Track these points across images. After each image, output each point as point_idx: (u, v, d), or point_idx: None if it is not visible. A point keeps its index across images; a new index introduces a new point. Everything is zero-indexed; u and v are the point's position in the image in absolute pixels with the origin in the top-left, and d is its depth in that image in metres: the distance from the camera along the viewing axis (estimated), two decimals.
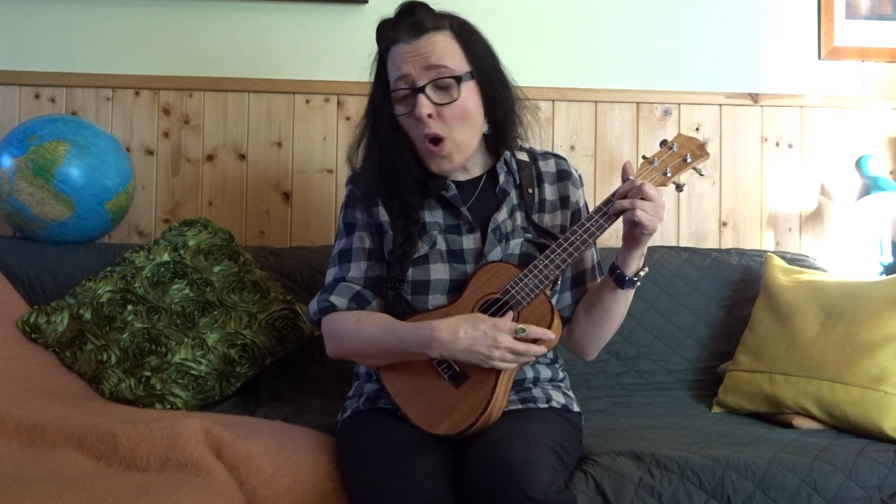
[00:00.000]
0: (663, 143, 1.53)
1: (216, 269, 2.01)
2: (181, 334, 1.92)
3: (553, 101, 2.42)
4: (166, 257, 2.00)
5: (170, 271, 1.98)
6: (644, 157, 1.51)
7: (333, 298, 1.56)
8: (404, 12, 1.53)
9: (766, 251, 2.26)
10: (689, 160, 1.50)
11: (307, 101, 2.39)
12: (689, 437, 1.68)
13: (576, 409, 1.63)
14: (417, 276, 1.54)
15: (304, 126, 2.39)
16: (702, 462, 1.51)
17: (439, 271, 1.55)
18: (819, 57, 2.46)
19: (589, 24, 2.43)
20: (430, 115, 1.50)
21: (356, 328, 1.52)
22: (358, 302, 1.56)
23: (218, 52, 2.36)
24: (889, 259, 2.34)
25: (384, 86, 1.56)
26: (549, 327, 1.45)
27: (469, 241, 1.57)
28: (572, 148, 2.43)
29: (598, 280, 1.64)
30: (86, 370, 1.90)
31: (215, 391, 1.92)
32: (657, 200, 1.43)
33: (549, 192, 1.64)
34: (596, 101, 2.43)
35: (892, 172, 2.47)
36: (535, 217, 1.61)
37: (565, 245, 1.47)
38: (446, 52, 1.51)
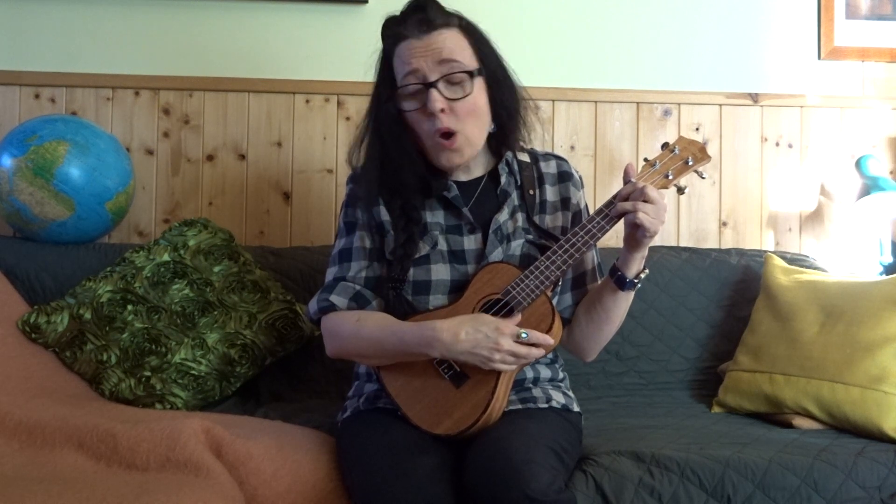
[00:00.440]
0: (665, 145, 1.52)
1: (216, 269, 2.01)
2: (181, 334, 1.92)
3: (553, 101, 2.42)
4: (166, 257, 2.00)
5: (170, 271, 1.98)
6: (646, 160, 1.51)
7: (333, 298, 1.56)
8: (413, 8, 1.53)
9: (766, 251, 2.26)
10: (690, 163, 1.50)
11: (307, 101, 2.39)
12: (689, 437, 1.68)
13: (576, 409, 1.63)
14: (418, 276, 1.54)
15: (304, 126, 2.39)
16: (702, 462, 1.51)
17: (440, 272, 1.55)
18: (819, 57, 2.46)
19: (589, 24, 2.43)
20: (442, 110, 1.50)
21: (356, 328, 1.52)
22: (358, 301, 1.56)
23: (218, 52, 2.36)
24: (889, 259, 2.34)
25: (389, 83, 1.56)
26: (550, 328, 1.45)
27: (470, 242, 1.57)
28: (572, 148, 2.43)
29: (599, 281, 1.64)
30: (86, 370, 1.90)
31: (215, 391, 1.92)
32: (659, 203, 1.43)
33: (550, 193, 1.64)
34: (596, 101, 2.43)
35: (892, 172, 2.47)
36: (536, 218, 1.61)
37: (566, 246, 1.47)
38: (457, 47, 1.51)
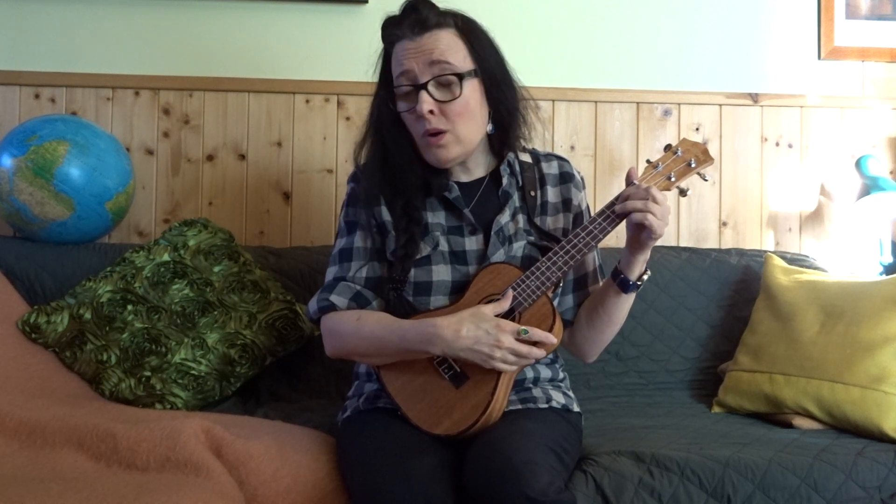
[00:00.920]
0: (668, 147, 1.52)
1: (216, 269, 2.01)
2: (181, 334, 1.92)
3: (553, 101, 2.42)
4: (166, 257, 2.00)
5: (170, 271, 1.98)
6: (648, 161, 1.51)
7: (333, 298, 1.56)
8: (408, 9, 1.53)
9: (766, 251, 2.26)
10: (693, 165, 1.49)
11: (307, 101, 2.39)
12: (689, 437, 1.68)
13: (576, 409, 1.63)
14: (420, 277, 1.54)
15: (304, 126, 2.39)
16: (702, 462, 1.51)
17: (442, 272, 1.54)
18: (819, 57, 2.46)
19: (589, 24, 2.43)
20: (431, 112, 1.49)
21: (356, 327, 1.52)
22: (358, 301, 1.56)
23: (218, 52, 2.36)
24: (889, 259, 2.34)
25: (388, 83, 1.56)
26: (551, 330, 1.44)
27: (471, 243, 1.57)
28: (572, 148, 2.43)
29: (600, 283, 1.63)
30: (86, 370, 1.90)
31: (215, 391, 1.92)
32: (664, 205, 1.43)
33: (552, 194, 1.64)
34: (596, 101, 2.43)
35: (892, 172, 2.47)
36: (538, 220, 1.61)
37: (568, 248, 1.47)
38: (449, 48, 1.50)
